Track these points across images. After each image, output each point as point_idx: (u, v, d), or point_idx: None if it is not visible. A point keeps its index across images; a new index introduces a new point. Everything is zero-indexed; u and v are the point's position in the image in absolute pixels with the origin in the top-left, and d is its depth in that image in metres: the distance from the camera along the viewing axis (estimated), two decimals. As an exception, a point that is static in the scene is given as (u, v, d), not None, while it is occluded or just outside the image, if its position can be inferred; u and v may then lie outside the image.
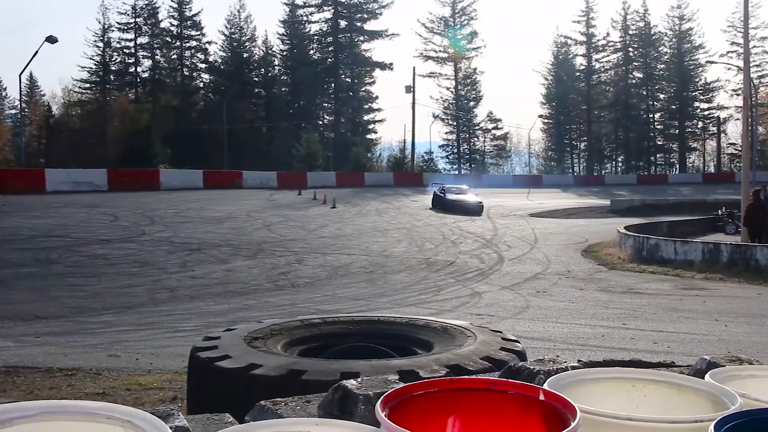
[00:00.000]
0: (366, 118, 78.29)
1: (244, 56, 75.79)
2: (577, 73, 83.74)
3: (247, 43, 76.52)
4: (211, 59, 76.15)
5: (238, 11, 77.20)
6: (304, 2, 77.40)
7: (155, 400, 5.63)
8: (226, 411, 2.19)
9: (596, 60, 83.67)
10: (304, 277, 14.44)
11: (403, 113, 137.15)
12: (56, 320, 10.17)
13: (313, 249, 18.30)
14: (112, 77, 72.77)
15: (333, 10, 77.19)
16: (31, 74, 69.86)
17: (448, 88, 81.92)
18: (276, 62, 78.43)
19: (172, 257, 16.23)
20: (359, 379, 2.19)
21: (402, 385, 1.72)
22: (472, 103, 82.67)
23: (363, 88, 78.79)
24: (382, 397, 1.54)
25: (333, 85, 77.56)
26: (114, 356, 7.78)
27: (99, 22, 78.09)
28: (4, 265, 14.82)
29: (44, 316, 10.37)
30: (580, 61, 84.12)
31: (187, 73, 76.07)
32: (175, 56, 75.20)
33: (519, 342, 3.79)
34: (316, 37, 78.87)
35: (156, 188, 40.49)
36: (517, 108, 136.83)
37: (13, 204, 26.15)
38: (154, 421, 1.87)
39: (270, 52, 77.55)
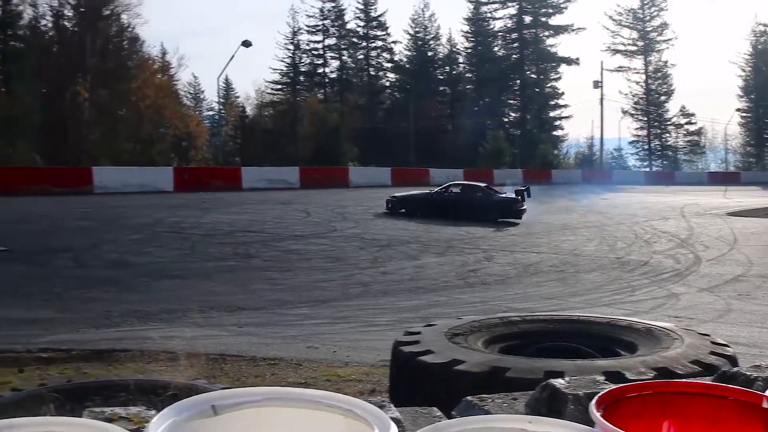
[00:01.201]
0: (552, 114, 77.26)
1: (429, 54, 76.47)
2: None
3: (431, 42, 77.22)
4: (396, 58, 77.42)
5: (423, 10, 77.84)
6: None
7: (355, 391, 5.81)
8: (427, 405, 2.24)
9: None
10: (494, 274, 14.41)
11: (590, 109, 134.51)
12: (256, 311, 10.64)
13: (502, 246, 18.25)
14: (301, 78, 75.27)
15: (517, 6, 76.55)
16: (226, 77, 73.35)
17: (637, 83, 79.66)
18: (460, 60, 78.70)
19: (362, 253, 16.62)
20: (566, 379, 2.19)
21: (615, 386, 1.72)
22: (663, 98, 79.91)
23: (549, 84, 77.77)
24: (596, 398, 1.55)
25: (518, 81, 76.96)
26: (312, 348, 8.07)
27: (289, 26, 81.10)
28: (207, 258, 15.67)
29: (245, 307, 10.88)
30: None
31: (373, 73, 77.60)
32: (361, 56, 76.92)
33: (729, 346, 3.67)
34: (500, 34, 78.48)
35: (345, 185, 41.57)
36: (712, 102, 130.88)
37: (212, 200, 27.57)
38: (374, 411, 1.95)
39: (454, 49, 77.94)
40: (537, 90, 76.87)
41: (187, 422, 1.83)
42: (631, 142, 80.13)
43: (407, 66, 76.34)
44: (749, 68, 79.60)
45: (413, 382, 3.64)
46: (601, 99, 65.94)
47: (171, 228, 19.93)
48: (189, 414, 1.87)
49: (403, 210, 25.56)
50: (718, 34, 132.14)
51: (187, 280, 13.09)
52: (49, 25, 55.87)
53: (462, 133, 69.94)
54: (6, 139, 47.04)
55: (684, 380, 1.69)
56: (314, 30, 74.51)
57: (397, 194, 27.33)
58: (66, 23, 56.22)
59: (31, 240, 17.23)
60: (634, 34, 78.77)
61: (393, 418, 1.97)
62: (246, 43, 47.53)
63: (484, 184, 28.39)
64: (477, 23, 77.29)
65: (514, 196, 25.76)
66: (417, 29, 76.58)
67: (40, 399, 3.59)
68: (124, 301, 11.10)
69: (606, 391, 1.59)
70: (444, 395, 2.59)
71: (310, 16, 74.53)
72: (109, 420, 2.99)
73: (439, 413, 2.21)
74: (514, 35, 77.42)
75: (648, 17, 78.50)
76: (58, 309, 10.42)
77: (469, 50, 77.78)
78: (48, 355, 7.56)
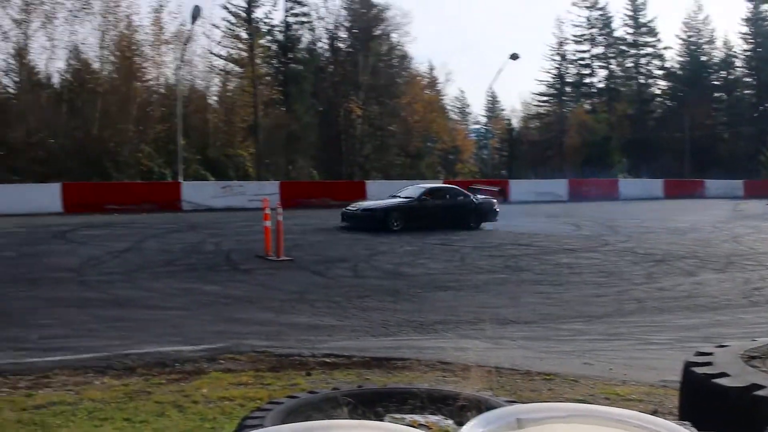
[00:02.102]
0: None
1: (703, 59, 72.95)
2: None
3: (705, 46, 73.63)
4: (667, 65, 74.50)
5: (696, 13, 74.30)
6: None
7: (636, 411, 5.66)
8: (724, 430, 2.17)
9: None
10: (777, 293, 13.53)
11: None
12: (528, 325, 10.65)
13: (783, 262, 17.07)
14: (568, 89, 74.34)
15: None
16: (492, 90, 73.89)
17: None
18: (738, 63, 74.37)
19: (636, 268, 16.16)
20: None
21: None
22: None
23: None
24: None
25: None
26: (588, 364, 7.95)
27: (555, 36, 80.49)
28: (477, 270, 15.89)
29: (517, 320, 10.92)
30: None
31: (643, 81, 75.14)
32: (630, 64, 74.75)
33: None
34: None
35: (614, 198, 40.65)
36: None
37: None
38: (679, 432, 1.92)
39: (731, 52, 73.78)
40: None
41: (498, 432, 1.91)
42: None
43: (679, 72, 73.24)
44: None
45: (707, 406, 3.51)
46: None
47: (440, 240, 20.46)
48: (495, 426, 1.95)
49: (370, 225, 22.10)
50: None
51: (459, 292, 13.35)
52: (326, 47, 59.19)
53: (740, 142, 66.10)
54: (287, 155, 50.38)
55: None
56: (581, 39, 73.47)
57: (357, 205, 23.86)
58: (341, 44, 59.31)
59: (311, 250, 18.33)
60: None
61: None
62: (514, 56, 47.83)
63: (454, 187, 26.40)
64: (756, 23, 72.70)
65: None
66: (690, 33, 73.35)
67: (335, 402, 3.82)
68: (400, 310, 11.49)
69: None
70: (743, 422, 2.50)
71: (577, 26, 73.62)
72: (411, 426, 3.15)
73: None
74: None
75: None
76: (339, 317, 10.98)
77: (748, 53, 73.29)
78: (331, 360, 7.98)
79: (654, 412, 5.68)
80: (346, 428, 2.28)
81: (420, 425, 3.03)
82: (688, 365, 3.79)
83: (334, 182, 40.54)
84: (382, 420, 3.18)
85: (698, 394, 3.64)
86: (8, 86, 45.61)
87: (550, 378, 7.10)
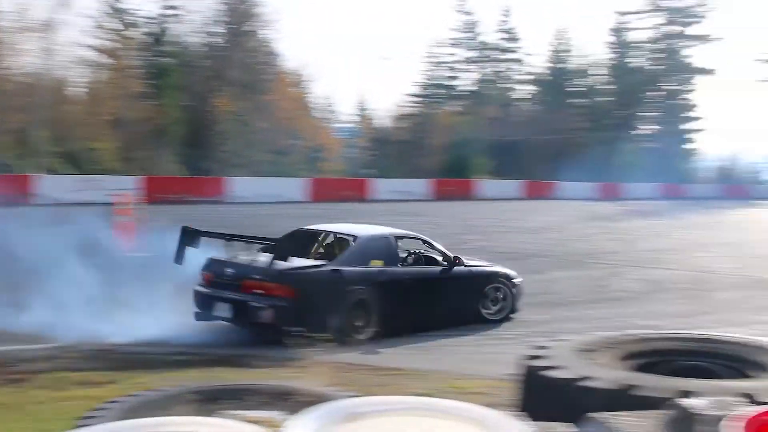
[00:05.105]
0: (688, 126, 74.93)
1: (566, 66, 75.46)
2: None
3: (570, 53, 76.12)
4: (533, 71, 76.64)
5: (562, 20, 76.69)
6: (631, 10, 75.62)
7: (480, 404, 5.82)
8: (555, 421, 2.26)
9: None
10: (621, 290, 14.17)
11: (730, 122, 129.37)
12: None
13: (631, 262, 17.83)
14: (437, 91, 75.42)
15: (660, 16, 74.67)
16: (362, 90, 74.31)
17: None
18: (599, 71, 77.29)
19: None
20: (701, 399, 2.19)
21: (750, 408, 1.73)
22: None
23: (686, 96, 75.50)
24: (730, 419, 1.57)
25: (656, 93, 74.99)
26: (437, 359, 8.13)
27: (428, 40, 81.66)
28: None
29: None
30: None
31: (508, 85, 77.04)
32: (496, 69, 76.48)
33: None
34: (640, 44, 76.65)
35: (477, 198, 41.61)
36: None
37: (335, 211, 28.00)
38: (509, 423, 2.01)
39: (593, 60, 76.63)
40: (673, 102, 74.71)
41: (324, 428, 1.92)
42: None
43: (543, 78, 75.49)
44: None
45: (541, 397, 3.65)
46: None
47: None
48: (326, 420, 1.97)
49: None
50: None
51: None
52: (197, 41, 58.12)
53: (597, 146, 68.76)
54: (152, 149, 49.29)
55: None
56: (452, 43, 74.69)
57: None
58: (212, 39, 58.38)
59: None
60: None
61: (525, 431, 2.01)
62: (384, 57, 48.31)
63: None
64: (617, 33, 75.69)
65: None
66: (554, 40, 75.71)
67: (178, 399, 3.77)
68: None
69: (741, 413, 1.60)
70: (571, 412, 2.60)
71: (449, 30, 74.89)
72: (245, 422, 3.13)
73: (566, 428, 2.24)
74: (655, 46, 75.47)
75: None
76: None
77: (609, 61, 76.26)
78: (184, 358, 7.88)
79: (497, 405, 5.85)
80: (175, 424, 2.24)
81: (254, 421, 3.02)
82: (525, 359, 3.93)
83: (197, 178, 39.88)
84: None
85: (534, 385, 3.78)
86: None
87: (398, 373, 7.22)
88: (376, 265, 9.80)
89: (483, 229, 23.83)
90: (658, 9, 74.33)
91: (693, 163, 73.25)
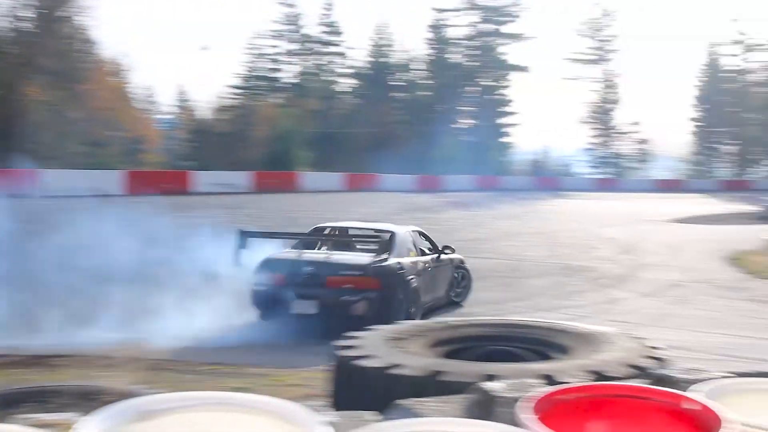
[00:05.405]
0: (503, 121, 77.70)
1: (387, 60, 76.48)
2: (729, 74, 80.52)
3: (390, 48, 77.20)
4: (354, 64, 77.23)
5: (382, 15, 77.74)
6: (448, 7, 77.59)
7: (295, 396, 5.78)
8: (366, 409, 2.24)
9: (749, 61, 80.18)
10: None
11: (542, 117, 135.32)
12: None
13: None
14: (259, 83, 74.70)
15: (476, 14, 77.01)
16: (183, 81, 72.64)
17: (592, 91, 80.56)
18: (418, 66, 78.80)
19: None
20: (501, 382, 2.22)
21: (545, 388, 1.75)
22: (614, 106, 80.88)
23: (500, 92, 78.25)
24: (525, 400, 1.58)
25: (473, 88, 77.31)
26: (257, 354, 8.02)
27: (248, 31, 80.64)
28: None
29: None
30: (731, 62, 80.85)
31: (330, 78, 77.30)
32: (319, 62, 76.59)
33: (662, 350, 3.74)
34: (458, 41, 78.76)
35: (299, 190, 41.55)
36: (663, 111, 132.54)
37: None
38: (306, 414, 1.96)
39: (413, 56, 78.03)
40: (489, 97, 77.24)
41: (115, 427, 1.81)
42: (585, 150, 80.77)
43: (364, 72, 76.19)
44: (701, 79, 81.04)
45: (353, 386, 3.64)
46: (553, 108, 66.61)
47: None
48: (117, 419, 1.85)
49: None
50: (671, 46, 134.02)
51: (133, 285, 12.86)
52: (1, 25, 54.99)
53: (417, 139, 70.14)
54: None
55: (612, 383, 1.72)
56: (274, 35, 74.09)
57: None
58: (19, 24, 55.39)
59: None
60: (591, 43, 79.66)
61: (324, 421, 1.97)
62: (203, 47, 47.39)
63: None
64: (436, 30, 77.46)
65: None
66: (375, 35, 76.57)
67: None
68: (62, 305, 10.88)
69: (536, 393, 1.62)
70: (382, 400, 2.59)
71: (272, 21, 74.19)
72: (36, 425, 2.94)
73: (373, 416, 2.21)
74: (471, 42, 77.72)
75: (602, 27, 79.39)
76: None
77: (428, 57, 77.92)
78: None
79: (313, 396, 5.83)
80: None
81: (48, 424, 2.86)
82: (336, 349, 3.92)
83: (3, 171, 37.72)
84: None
85: (345, 375, 3.77)
86: None
87: (215, 369, 7.08)
88: (412, 256, 10.89)
89: (306, 221, 23.76)
90: (473, 7, 76.75)
91: (508, 156, 75.96)
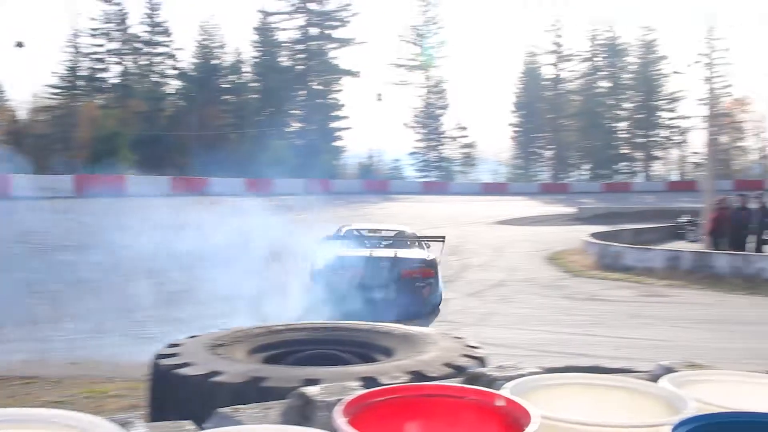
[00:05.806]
0: (334, 125, 78.19)
1: (215, 62, 75.39)
2: (545, 82, 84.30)
3: (217, 50, 76.14)
4: (181, 65, 75.68)
5: (209, 17, 76.63)
6: (276, 10, 77.29)
7: (116, 408, 5.58)
8: (187, 419, 2.17)
9: (564, 69, 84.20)
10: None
11: (372, 121, 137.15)
12: (20, 327, 9.99)
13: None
14: (80, 83, 71.98)
15: (304, 18, 77.05)
16: (-5, 78, 68.77)
17: (418, 96, 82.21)
18: (247, 69, 78.11)
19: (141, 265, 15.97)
20: (320, 386, 2.19)
21: (360, 391, 1.72)
22: (441, 111, 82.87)
23: (332, 96, 78.71)
24: (340, 404, 1.54)
25: (303, 92, 77.36)
26: (74, 364, 7.68)
27: (69, 28, 77.42)
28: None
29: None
30: (548, 71, 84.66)
31: (157, 80, 75.45)
32: (144, 62, 74.60)
33: (481, 348, 3.81)
34: (286, 45, 78.62)
35: (123, 194, 40.27)
36: (486, 116, 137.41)
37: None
38: (111, 428, 1.85)
39: (241, 59, 77.25)
40: (320, 101, 77.54)
41: None
42: (411, 154, 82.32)
43: (192, 73, 74.76)
44: (520, 86, 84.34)
45: (172, 396, 3.52)
46: (382, 112, 67.66)
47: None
48: None
49: None
50: (494, 53, 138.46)
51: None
52: None
53: (246, 142, 69.47)
54: None
55: (427, 384, 1.72)
56: (96, 33, 71.46)
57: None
58: None
59: None
60: (415, 49, 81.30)
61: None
62: (19, 44, 45.16)
63: None
64: (264, 33, 76.97)
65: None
66: (203, 37, 75.24)
67: None
68: None
69: (351, 397, 1.59)
70: (203, 408, 2.51)
71: (92, 19, 71.44)
72: None
73: (191, 426, 2.13)
74: (300, 47, 77.76)
75: (428, 34, 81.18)
76: None
77: (256, 60, 77.30)
78: None
79: (134, 407, 5.62)
80: None
81: None
82: (156, 357, 3.78)
83: None
84: None
85: (165, 384, 3.64)
86: None
87: (31, 382, 6.72)
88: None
89: (135, 228, 23.05)
90: (301, 11, 76.84)
91: (340, 160, 76.47)
